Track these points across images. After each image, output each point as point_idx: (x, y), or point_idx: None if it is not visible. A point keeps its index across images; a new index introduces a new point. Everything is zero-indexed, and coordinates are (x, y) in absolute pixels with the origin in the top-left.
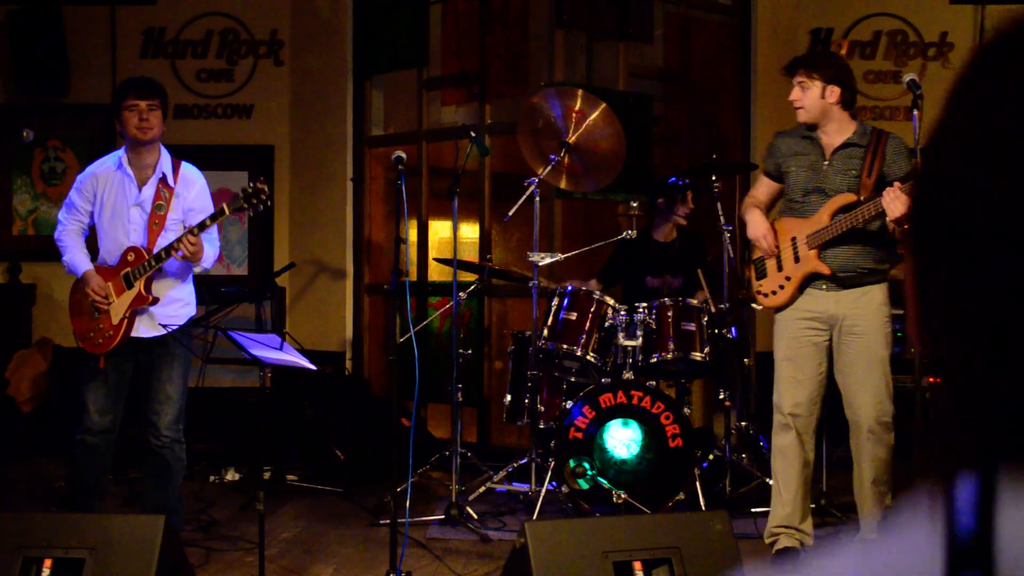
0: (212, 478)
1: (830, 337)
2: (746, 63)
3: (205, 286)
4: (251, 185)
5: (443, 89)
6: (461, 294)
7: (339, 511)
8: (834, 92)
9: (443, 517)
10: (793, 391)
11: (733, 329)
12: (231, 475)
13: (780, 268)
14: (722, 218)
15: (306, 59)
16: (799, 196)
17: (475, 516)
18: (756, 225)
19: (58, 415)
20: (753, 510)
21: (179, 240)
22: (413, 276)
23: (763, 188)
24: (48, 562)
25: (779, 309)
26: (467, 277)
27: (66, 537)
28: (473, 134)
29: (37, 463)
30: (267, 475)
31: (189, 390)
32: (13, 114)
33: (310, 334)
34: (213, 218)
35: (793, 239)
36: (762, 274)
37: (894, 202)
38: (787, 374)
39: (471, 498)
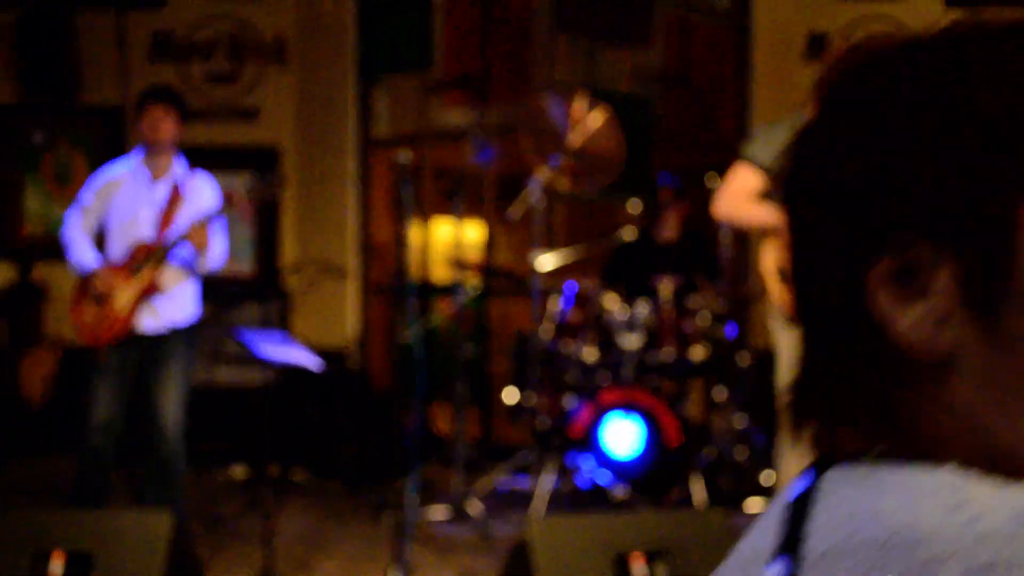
0: (219, 475)
1: None
2: (745, 65)
3: (211, 285)
4: (255, 179)
5: (446, 91)
6: (464, 294)
7: (344, 507)
8: None
9: (446, 513)
10: None
11: (733, 327)
12: (237, 472)
13: None
14: None
15: (311, 61)
16: None
17: (478, 512)
18: None
19: (68, 413)
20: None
21: (189, 229)
22: (417, 276)
23: None
24: (58, 557)
25: None
26: (470, 277)
27: (75, 533)
28: (475, 136)
29: (47, 461)
30: (273, 472)
31: (195, 388)
32: (23, 115)
33: (315, 333)
34: (217, 212)
35: None
36: None
37: None
38: None
39: (474, 494)
